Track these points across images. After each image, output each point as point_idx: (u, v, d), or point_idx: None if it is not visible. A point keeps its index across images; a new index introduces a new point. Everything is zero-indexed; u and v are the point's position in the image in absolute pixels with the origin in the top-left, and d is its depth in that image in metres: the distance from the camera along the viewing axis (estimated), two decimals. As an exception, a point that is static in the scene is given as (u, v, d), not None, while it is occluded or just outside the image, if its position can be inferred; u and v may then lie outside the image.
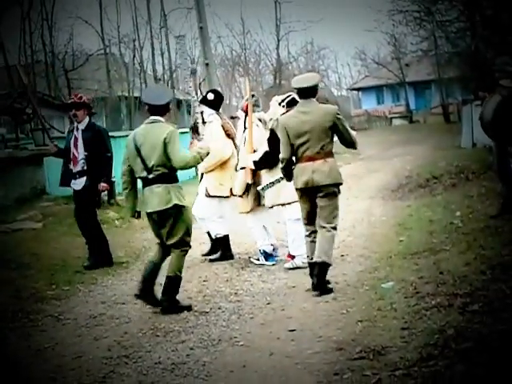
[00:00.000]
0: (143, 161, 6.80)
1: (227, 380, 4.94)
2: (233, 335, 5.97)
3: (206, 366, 5.27)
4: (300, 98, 7.53)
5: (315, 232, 7.39)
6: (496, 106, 9.26)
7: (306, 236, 7.55)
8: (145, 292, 6.91)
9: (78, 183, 9.42)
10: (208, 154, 7.15)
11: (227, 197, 9.54)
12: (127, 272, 9.19)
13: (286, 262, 8.84)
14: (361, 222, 11.94)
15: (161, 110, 6.96)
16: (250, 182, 8.95)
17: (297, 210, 8.01)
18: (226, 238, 9.63)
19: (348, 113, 56.04)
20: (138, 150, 6.83)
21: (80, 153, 9.39)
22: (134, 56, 43.40)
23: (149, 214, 6.94)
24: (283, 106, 8.48)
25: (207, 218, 9.65)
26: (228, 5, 79.29)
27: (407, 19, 28.05)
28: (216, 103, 9.73)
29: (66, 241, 11.20)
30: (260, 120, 9.17)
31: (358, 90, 65.57)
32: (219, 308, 6.93)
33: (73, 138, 9.50)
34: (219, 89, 17.20)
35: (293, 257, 8.78)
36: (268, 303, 7.00)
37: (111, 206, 14.29)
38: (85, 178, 9.36)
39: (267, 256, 9.16)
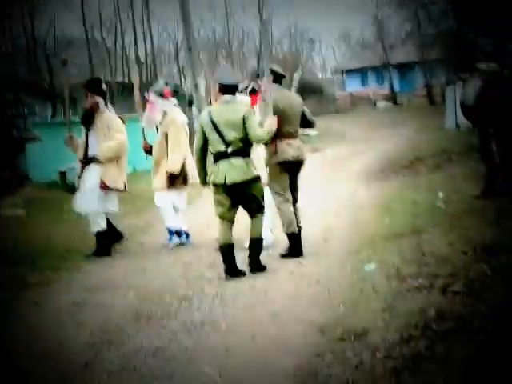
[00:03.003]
0: (221, 136, 7.33)
1: (210, 364, 4.92)
2: (216, 319, 5.95)
3: (188, 350, 5.26)
4: (274, 82, 8.27)
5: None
6: (478, 91, 9.38)
7: (286, 204, 8.17)
8: (234, 271, 7.50)
9: None
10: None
11: (121, 190, 9.47)
12: (111, 257, 9.16)
13: None
14: (344, 205, 11.96)
15: (231, 89, 7.54)
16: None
17: None
18: (107, 232, 9.39)
19: (333, 95, 55.96)
20: (214, 126, 7.37)
21: None
22: (116, 40, 43.20)
23: (223, 186, 7.39)
24: (246, 94, 8.85)
25: (95, 213, 9.27)
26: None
27: (391, 0, 28.07)
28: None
29: (49, 227, 11.17)
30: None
31: (342, 72, 65.45)
32: (202, 292, 6.92)
33: None
34: (202, 73, 17.17)
35: None
36: (251, 287, 6.99)
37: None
38: None
39: (180, 233, 9.53)
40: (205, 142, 7.54)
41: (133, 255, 9.25)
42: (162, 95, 9.52)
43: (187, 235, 9.65)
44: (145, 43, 43.54)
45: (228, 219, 7.54)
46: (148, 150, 9.77)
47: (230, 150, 7.35)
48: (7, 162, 9.38)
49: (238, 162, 7.35)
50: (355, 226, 9.83)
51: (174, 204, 9.53)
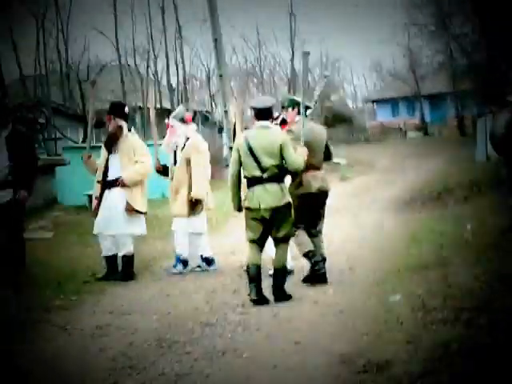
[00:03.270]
0: (258, 162, 7.40)
1: (230, 392, 4.91)
2: (238, 347, 5.92)
3: (209, 377, 5.23)
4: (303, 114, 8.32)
5: None
6: (507, 123, 9.43)
7: (298, 231, 8.19)
8: (259, 295, 7.47)
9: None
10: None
11: (144, 213, 9.38)
12: (136, 282, 9.18)
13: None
14: (370, 234, 11.89)
15: (266, 114, 7.60)
16: None
17: None
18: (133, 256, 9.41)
19: (363, 125, 55.94)
20: (251, 151, 7.44)
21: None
22: (148, 66, 43.63)
23: (257, 210, 7.44)
24: (276, 124, 8.61)
25: (120, 235, 9.25)
26: (243, 17, 79.70)
27: (422, 32, 28.11)
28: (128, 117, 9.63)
29: (76, 250, 11.23)
30: None
31: (373, 102, 65.43)
32: (225, 319, 6.90)
33: None
34: (234, 100, 17.31)
35: None
36: (274, 315, 6.96)
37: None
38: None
39: (185, 262, 9.55)
40: (240, 166, 7.61)
41: (157, 280, 9.24)
42: (183, 120, 9.59)
43: (212, 261, 9.63)
44: (177, 70, 43.91)
45: (258, 244, 7.58)
46: (160, 171, 9.82)
47: (265, 175, 7.42)
48: (35, 185, 9.41)
49: (272, 187, 7.41)
50: (381, 255, 9.77)
51: (194, 230, 9.55)
